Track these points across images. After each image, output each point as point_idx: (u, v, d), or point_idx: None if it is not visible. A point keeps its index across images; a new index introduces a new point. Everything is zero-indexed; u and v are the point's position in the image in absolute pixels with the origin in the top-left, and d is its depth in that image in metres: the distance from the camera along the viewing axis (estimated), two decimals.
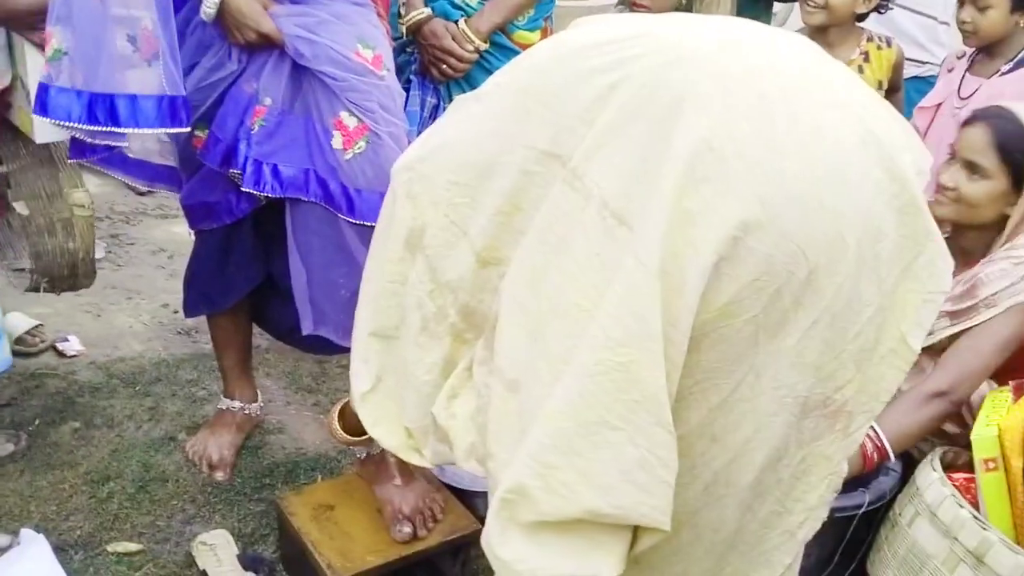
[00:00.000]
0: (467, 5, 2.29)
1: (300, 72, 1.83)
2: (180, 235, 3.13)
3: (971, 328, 1.78)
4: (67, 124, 1.65)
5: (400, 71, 2.41)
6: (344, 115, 1.81)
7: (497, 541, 0.97)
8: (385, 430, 1.28)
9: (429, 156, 1.15)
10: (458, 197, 1.11)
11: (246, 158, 1.84)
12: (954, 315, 1.83)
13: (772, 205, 0.91)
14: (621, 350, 0.92)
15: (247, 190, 1.86)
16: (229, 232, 2.01)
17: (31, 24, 1.72)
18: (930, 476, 1.65)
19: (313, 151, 1.84)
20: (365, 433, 1.71)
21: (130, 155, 1.94)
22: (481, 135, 1.11)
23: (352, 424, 1.73)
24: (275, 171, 1.84)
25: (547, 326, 1.00)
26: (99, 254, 2.75)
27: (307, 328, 1.92)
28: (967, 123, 1.91)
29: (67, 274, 2.10)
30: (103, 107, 1.65)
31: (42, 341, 2.61)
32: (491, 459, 1.07)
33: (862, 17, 2.36)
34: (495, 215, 1.08)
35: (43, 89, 1.64)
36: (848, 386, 1.03)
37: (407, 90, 2.30)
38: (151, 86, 1.67)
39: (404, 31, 2.32)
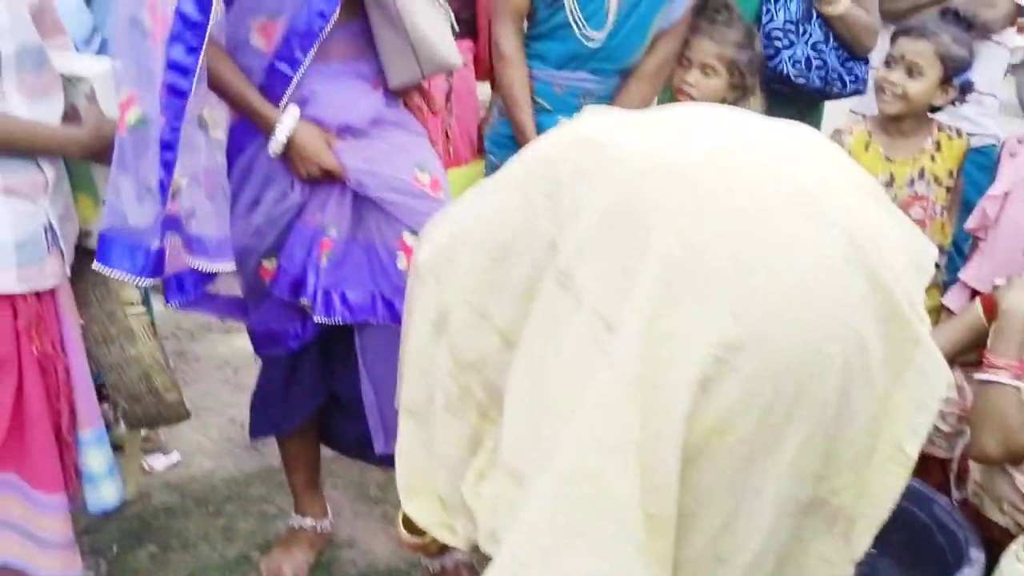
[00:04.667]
0: None
1: (361, 201, 1.90)
2: (244, 348, 3.18)
3: None
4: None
5: None
6: (407, 235, 1.87)
7: None
8: (419, 505, 1.32)
9: (451, 242, 1.21)
10: (478, 282, 1.16)
11: (315, 289, 1.90)
12: None
13: (750, 324, 0.93)
14: (591, 458, 0.95)
15: (319, 320, 1.91)
16: (294, 356, 2.06)
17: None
18: (1015, 566, 1.61)
19: (377, 275, 1.90)
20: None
21: (210, 290, 2.00)
22: (496, 223, 1.16)
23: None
24: (343, 298, 1.90)
25: (543, 422, 1.03)
26: None
27: (379, 447, 1.95)
28: None
29: (145, 390, 2.02)
30: None
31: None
32: (500, 546, 1.10)
33: (936, 108, 2.38)
34: (515, 300, 1.12)
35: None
36: (845, 491, 1.04)
37: None
38: None
39: None
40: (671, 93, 2.39)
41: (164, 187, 1.69)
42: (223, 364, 3.34)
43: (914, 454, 1.06)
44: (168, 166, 1.69)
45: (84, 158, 1.75)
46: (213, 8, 1.68)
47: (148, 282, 1.75)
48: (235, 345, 3.40)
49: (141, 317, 2.03)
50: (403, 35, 1.86)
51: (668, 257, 0.95)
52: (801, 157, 1.09)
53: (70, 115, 1.78)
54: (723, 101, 2.28)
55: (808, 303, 0.95)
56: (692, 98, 2.30)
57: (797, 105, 2.49)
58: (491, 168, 2.56)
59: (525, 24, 2.36)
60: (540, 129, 2.33)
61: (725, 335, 0.92)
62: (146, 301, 2.22)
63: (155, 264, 1.71)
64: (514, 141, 2.41)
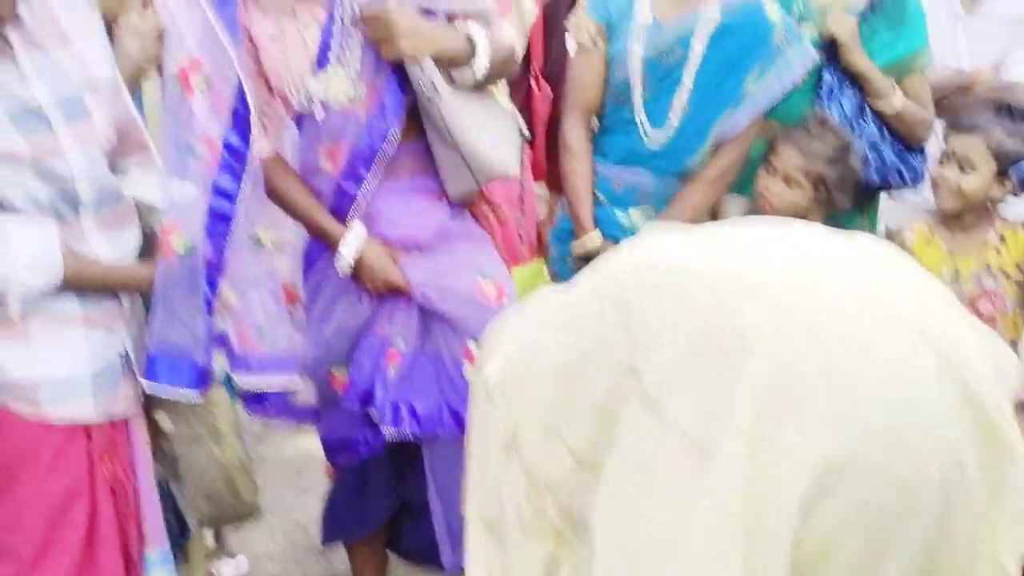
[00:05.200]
0: (635, 226, 2.37)
1: (428, 312, 1.95)
2: (308, 449, 3.24)
3: None
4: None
5: (560, 279, 2.53)
6: (472, 344, 1.90)
7: None
8: None
9: (519, 358, 1.21)
10: (549, 402, 1.15)
11: (384, 401, 1.94)
12: None
13: (848, 444, 0.92)
14: None
15: (388, 432, 1.94)
16: (365, 464, 2.09)
17: None
18: None
19: (445, 387, 1.94)
20: None
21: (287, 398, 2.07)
22: (566, 340, 1.15)
23: None
24: (412, 410, 1.93)
25: (640, 556, 1.01)
26: None
27: (447, 559, 1.96)
28: None
29: (225, 491, 2.05)
30: None
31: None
32: None
33: (997, 201, 2.37)
34: (589, 421, 1.11)
35: None
36: None
37: None
38: None
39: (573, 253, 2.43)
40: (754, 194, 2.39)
41: (210, 305, 1.77)
42: (287, 466, 3.37)
43: (1014, 572, 1.04)
44: (213, 285, 1.78)
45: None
46: (253, 137, 1.79)
47: (195, 395, 1.80)
48: (299, 446, 3.44)
49: (228, 416, 2.07)
50: (455, 150, 1.92)
51: (761, 380, 0.95)
52: (872, 268, 1.10)
53: (148, 236, 1.86)
54: (804, 215, 2.27)
55: (903, 419, 0.95)
56: (771, 204, 2.30)
57: (855, 198, 2.51)
58: (553, 262, 2.61)
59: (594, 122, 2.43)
60: (597, 221, 2.39)
61: (825, 456, 0.92)
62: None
63: (201, 377, 1.78)
64: (574, 235, 2.46)
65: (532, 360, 1.20)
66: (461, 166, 1.94)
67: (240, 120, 1.77)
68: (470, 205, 2.10)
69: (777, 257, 1.08)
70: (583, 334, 1.14)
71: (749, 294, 1.02)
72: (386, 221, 1.95)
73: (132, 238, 1.80)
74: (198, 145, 1.77)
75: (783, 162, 2.27)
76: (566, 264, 2.54)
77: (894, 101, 2.39)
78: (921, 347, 0.98)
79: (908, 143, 2.47)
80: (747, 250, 1.11)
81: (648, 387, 1.03)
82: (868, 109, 2.43)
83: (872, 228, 2.64)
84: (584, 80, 2.39)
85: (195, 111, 1.75)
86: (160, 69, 1.96)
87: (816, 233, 1.19)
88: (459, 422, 1.90)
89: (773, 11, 2.29)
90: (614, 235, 2.38)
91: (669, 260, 1.11)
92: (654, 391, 1.03)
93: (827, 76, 2.41)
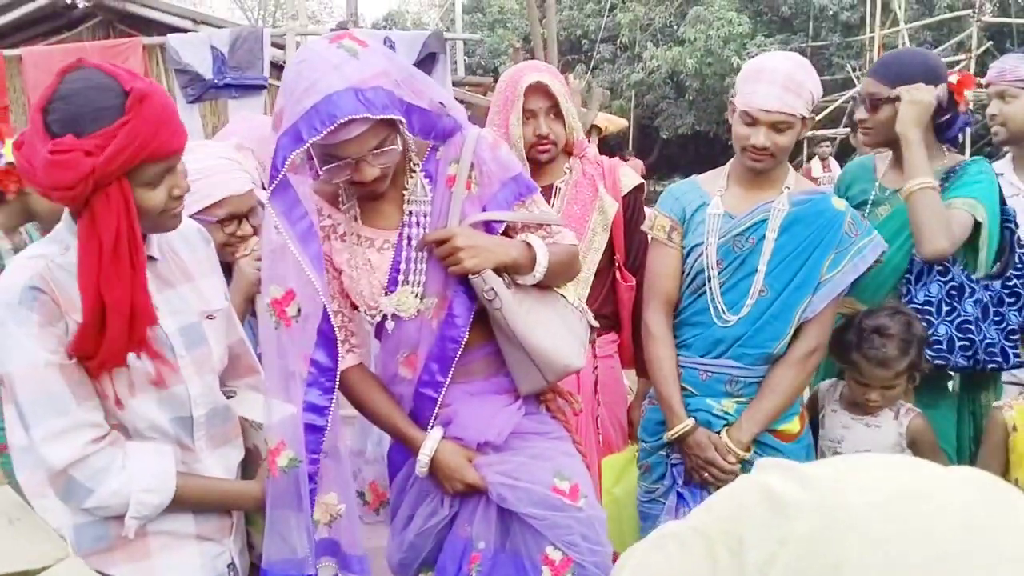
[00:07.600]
0: (727, 414, 2.41)
1: (507, 513, 1.98)
2: None
3: None
4: None
5: (652, 470, 2.55)
6: (549, 550, 1.92)
7: None
8: None
9: None
10: None
11: None
12: None
13: None
14: None
15: None
16: None
17: None
18: None
19: None
20: None
21: None
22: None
23: None
24: None
25: None
26: None
27: None
28: None
29: None
30: None
31: None
32: None
33: None
34: None
35: None
36: None
37: (675, 491, 2.45)
38: None
39: (666, 439, 2.47)
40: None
41: (310, 516, 1.87)
42: None
43: None
44: (311, 494, 1.88)
45: (257, 511, 1.92)
46: (341, 352, 1.94)
47: None
48: None
49: None
50: (521, 350, 1.99)
51: None
52: (981, 496, 1.08)
53: (252, 453, 2.00)
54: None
55: None
56: (881, 406, 2.45)
57: (975, 379, 2.50)
58: (644, 453, 2.62)
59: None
60: (688, 409, 2.42)
61: None
62: None
63: None
64: (664, 426, 2.48)
65: None
66: (529, 365, 2.01)
67: (325, 340, 1.93)
68: (545, 399, 2.17)
69: (880, 488, 1.09)
70: (698, 568, 1.17)
71: (848, 525, 1.03)
72: (460, 423, 2.03)
73: (236, 453, 1.95)
74: (300, 366, 1.92)
75: (876, 379, 2.39)
76: (657, 457, 2.54)
77: (911, 184, 2.35)
78: None
79: None
80: (851, 483, 1.13)
81: None
82: (968, 290, 2.39)
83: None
84: (662, 272, 2.51)
85: (291, 336, 1.90)
86: None
87: (928, 469, 1.19)
88: None
89: (839, 203, 2.42)
90: (707, 421, 2.42)
91: (773, 493, 1.13)
92: None
93: (919, 259, 2.41)
